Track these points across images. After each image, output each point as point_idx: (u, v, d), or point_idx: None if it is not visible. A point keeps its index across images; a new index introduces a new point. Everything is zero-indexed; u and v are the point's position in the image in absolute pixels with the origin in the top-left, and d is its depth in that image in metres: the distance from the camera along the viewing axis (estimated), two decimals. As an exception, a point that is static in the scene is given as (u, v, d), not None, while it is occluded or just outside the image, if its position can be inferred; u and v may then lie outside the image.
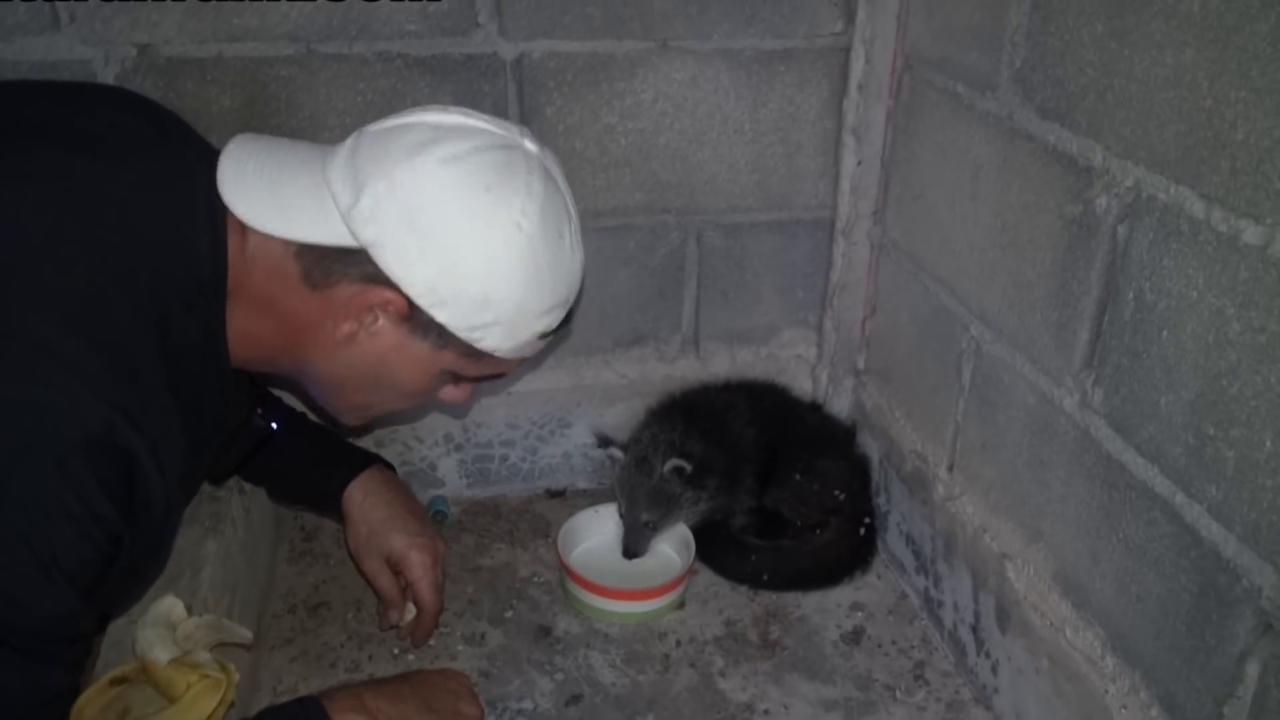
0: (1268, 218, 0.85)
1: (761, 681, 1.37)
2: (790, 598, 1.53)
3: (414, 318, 1.03)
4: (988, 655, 1.31)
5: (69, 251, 0.90)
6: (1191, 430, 0.96)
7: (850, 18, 1.53)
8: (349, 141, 1.03)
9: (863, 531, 1.59)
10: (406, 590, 1.37)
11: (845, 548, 1.58)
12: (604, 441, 1.59)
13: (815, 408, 1.74)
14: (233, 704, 1.07)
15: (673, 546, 1.56)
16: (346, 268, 1.00)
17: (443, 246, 1.00)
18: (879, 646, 1.44)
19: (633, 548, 1.51)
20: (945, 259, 1.41)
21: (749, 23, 1.52)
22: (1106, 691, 1.09)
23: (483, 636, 1.43)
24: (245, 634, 1.15)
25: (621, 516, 1.54)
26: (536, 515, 1.71)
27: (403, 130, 1.02)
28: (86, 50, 1.37)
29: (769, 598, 1.53)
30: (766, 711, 1.32)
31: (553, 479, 1.76)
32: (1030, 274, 1.20)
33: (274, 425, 1.29)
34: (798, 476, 1.58)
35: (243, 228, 1.01)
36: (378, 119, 1.06)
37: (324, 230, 1.00)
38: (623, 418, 1.70)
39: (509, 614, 1.48)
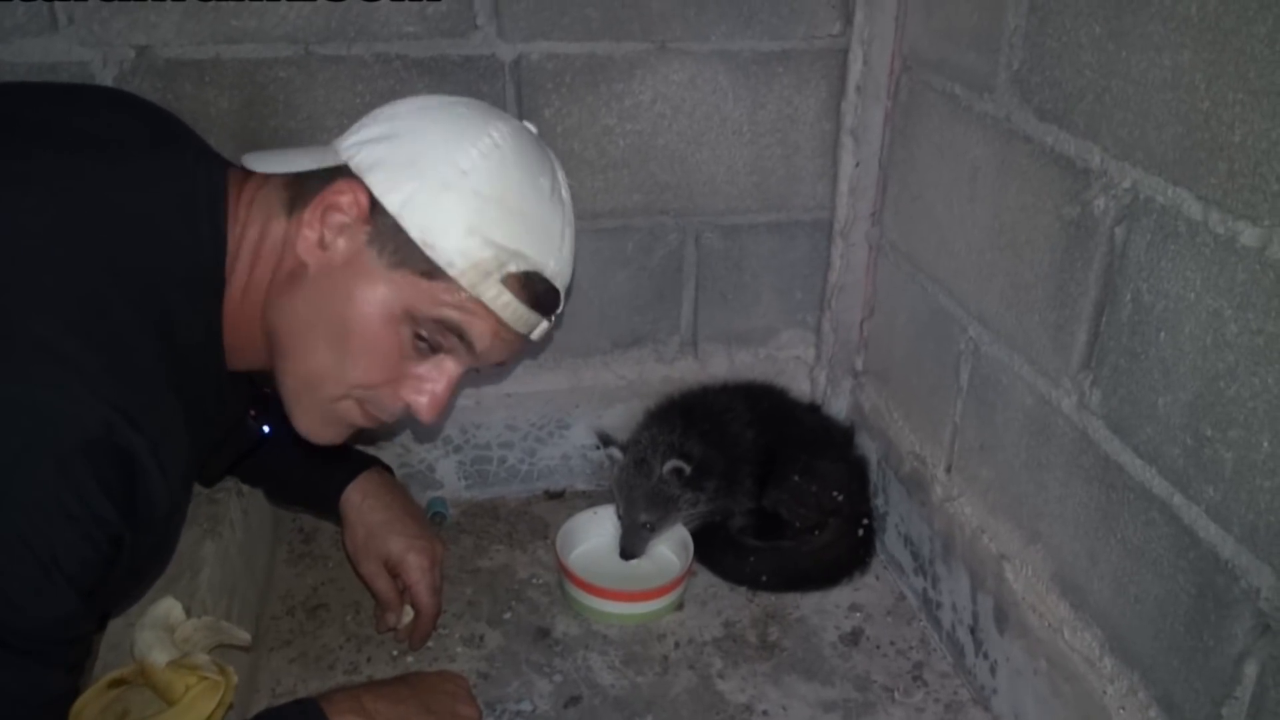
0: (1265, 219, 0.86)
1: (760, 683, 1.37)
2: (789, 599, 1.53)
3: (374, 221, 1.01)
4: (986, 656, 1.32)
5: (68, 252, 0.90)
6: (1189, 431, 0.96)
7: (848, 19, 1.54)
8: None
9: (861, 533, 1.59)
10: (404, 593, 1.37)
11: (843, 549, 1.58)
12: (605, 441, 1.59)
13: (813, 409, 1.74)
14: (231, 706, 1.07)
15: (671, 548, 1.57)
16: (323, 181, 1.02)
17: (415, 140, 1.03)
18: (877, 647, 1.44)
19: (630, 549, 1.51)
20: (943, 260, 1.41)
21: (747, 24, 1.53)
22: (1105, 692, 1.09)
23: (481, 638, 1.43)
24: (244, 636, 1.15)
25: (620, 518, 1.54)
26: (535, 517, 1.71)
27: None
28: (85, 52, 1.37)
29: (767, 599, 1.53)
30: (765, 713, 1.32)
31: (551, 480, 1.76)
32: (1028, 275, 1.21)
33: (266, 429, 1.28)
34: (796, 477, 1.58)
35: (243, 222, 1.03)
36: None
37: (314, 160, 1.04)
38: (621, 419, 1.70)
39: (508, 615, 1.48)
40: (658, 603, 1.47)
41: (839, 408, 1.76)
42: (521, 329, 1.07)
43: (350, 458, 1.42)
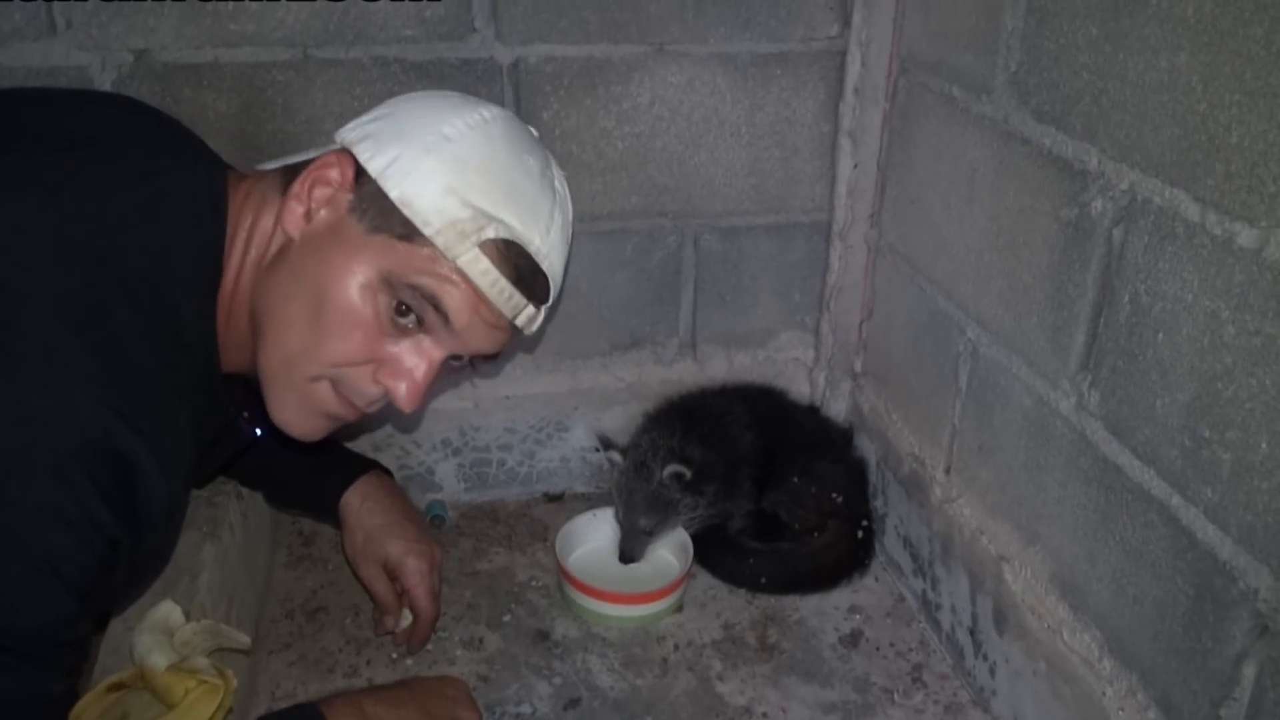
0: (1262, 220, 0.86)
1: (759, 685, 1.37)
2: (788, 601, 1.53)
3: (358, 190, 1.01)
4: (985, 658, 1.32)
5: (68, 254, 0.90)
6: (1187, 433, 0.96)
7: (846, 21, 1.54)
8: None
9: (860, 534, 1.59)
10: (403, 596, 1.37)
11: (843, 550, 1.58)
12: (605, 444, 1.59)
13: (813, 411, 1.74)
14: (231, 709, 1.07)
15: (670, 550, 1.56)
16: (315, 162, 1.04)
17: (406, 117, 1.05)
18: (877, 649, 1.44)
19: (629, 553, 1.51)
20: (941, 262, 1.41)
21: (745, 26, 1.53)
22: (1104, 694, 1.09)
23: (481, 641, 1.43)
24: (243, 639, 1.15)
25: (619, 522, 1.54)
26: (534, 519, 1.71)
27: None
28: (83, 56, 1.37)
29: (767, 601, 1.53)
30: (765, 715, 1.32)
31: (550, 483, 1.76)
32: (1026, 277, 1.21)
33: (258, 431, 1.25)
34: (795, 479, 1.59)
35: (240, 216, 1.04)
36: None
37: (316, 154, 1.05)
38: (620, 421, 1.70)
39: (507, 618, 1.48)
40: (657, 605, 1.47)
41: (838, 409, 1.76)
42: (504, 308, 1.04)
43: (349, 461, 1.42)
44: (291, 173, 1.05)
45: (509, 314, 1.05)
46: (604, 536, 1.58)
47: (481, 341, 1.06)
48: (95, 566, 0.84)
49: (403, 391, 1.04)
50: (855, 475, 1.65)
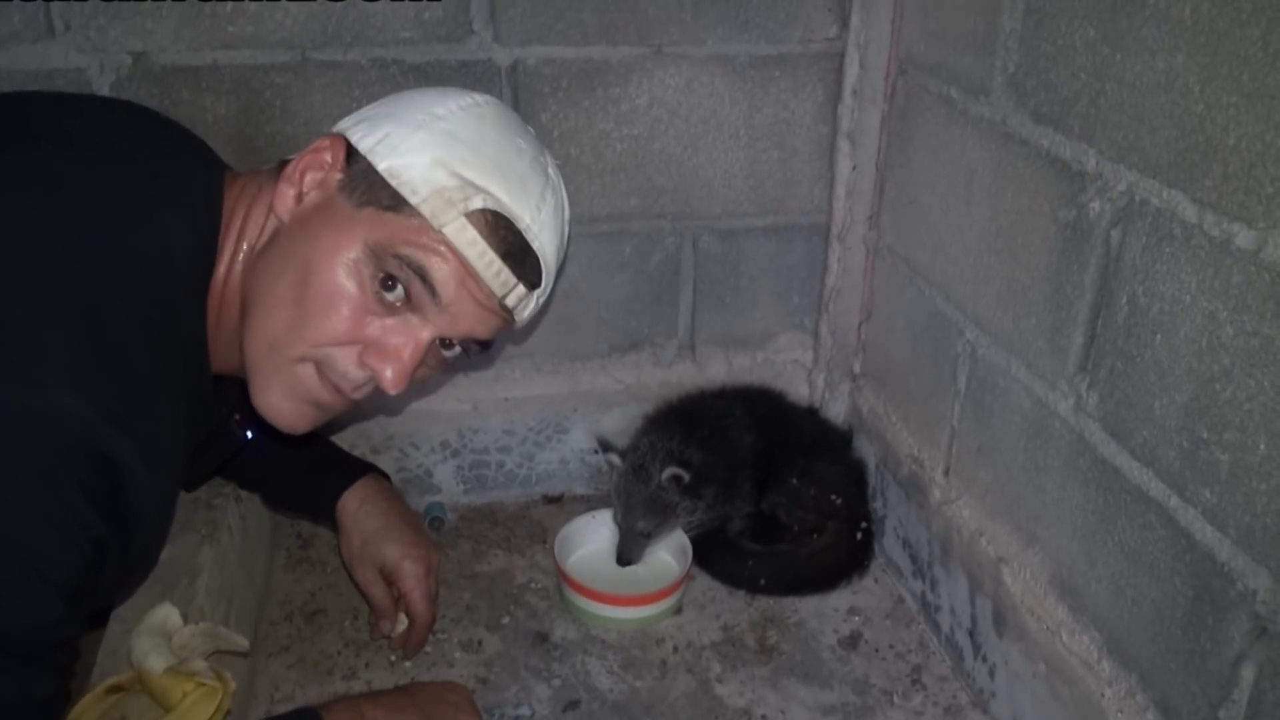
0: (1259, 222, 0.86)
1: (759, 687, 1.37)
2: (787, 602, 1.53)
3: (349, 169, 1.02)
4: (985, 659, 1.31)
5: (62, 253, 0.90)
6: (1185, 434, 0.96)
7: (844, 23, 1.54)
8: None
9: (859, 536, 1.59)
10: (399, 600, 1.37)
11: (842, 552, 1.58)
12: (604, 447, 1.59)
13: (812, 412, 1.74)
14: (229, 712, 1.06)
15: (669, 552, 1.56)
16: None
17: (399, 102, 1.07)
18: (876, 651, 1.44)
19: (627, 555, 1.51)
20: (940, 263, 1.41)
21: (743, 28, 1.53)
22: (1103, 695, 1.09)
23: (480, 643, 1.43)
24: (241, 642, 1.15)
25: (618, 524, 1.54)
26: (533, 521, 1.70)
27: None
28: (81, 58, 1.37)
29: (766, 603, 1.53)
30: (764, 717, 1.32)
31: (549, 485, 1.76)
32: (1025, 278, 1.21)
33: (249, 434, 1.24)
34: (794, 481, 1.59)
35: (234, 209, 1.04)
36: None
37: None
38: (619, 423, 1.70)
39: (506, 620, 1.48)
40: (656, 607, 1.47)
41: (837, 411, 1.76)
42: (493, 284, 1.02)
43: (347, 464, 1.42)
44: (286, 164, 1.05)
45: (498, 291, 1.03)
46: (603, 539, 1.58)
47: (471, 321, 1.04)
48: (82, 567, 0.84)
49: (389, 374, 1.02)
50: (854, 477, 1.65)
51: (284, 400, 1.04)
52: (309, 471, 1.39)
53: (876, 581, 1.59)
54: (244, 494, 1.43)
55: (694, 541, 1.54)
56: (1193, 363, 0.95)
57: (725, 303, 1.71)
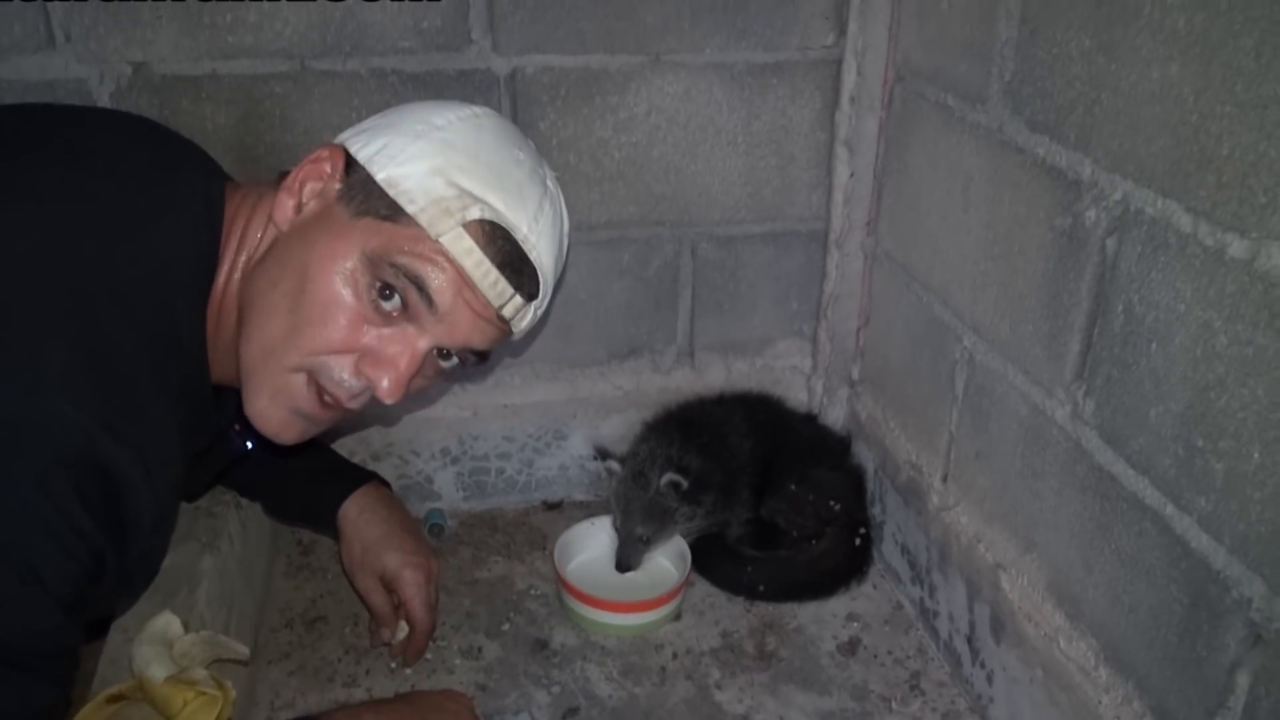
0: (1253, 231, 0.86)
1: (758, 693, 1.37)
2: (786, 608, 1.53)
3: (347, 179, 1.03)
4: (983, 665, 1.32)
5: (61, 263, 0.90)
6: (1181, 442, 0.97)
7: (842, 30, 1.54)
8: None
9: (858, 542, 1.60)
10: (399, 608, 1.37)
11: (841, 558, 1.58)
12: (602, 454, 1.60)
13: (810, 418, 1.75)
14: (229, 720, 1.07)
15: (669, 558, 1.57)
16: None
17: (399, 113, 1.08)
18: (875, 657, 1.44)
19: (625, 561, 1.51)
20: (938, 270, 1.42)
21: (741, 36, 1.53)
22: (1100, 702, 1.10)
23: (480, 649, 1.44)
24: (242, 650, 1.15)
25: (617, 530, 1.54)
26: (533, 527, 1.71)
27: None
28: (82, 69, 1.37)
29: (765, 609, 1.53)
30: (763, 723, 1.33)
31: (549, 491, 1.77)
32: (1021, 285, 1.21)
33: (249, 444, 1.25)
34: (793, 487, 1.59)
35: (234, 219, 1.05)
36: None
37: None
38: (619, 430, 1.70)
39: (506, 627, 1.48)
40: (655, 613, 1.48)
41: (835, 417, 1.77)
42: (489, 293, 1.02)
43: (347, 472, 1.42)
44: (287, 175, 1.06)
45: (494, 301, 1.03)
46: (602, 545, 1.58)
47: (468, 331, 1.04)
48: (80, 577, 0.85)
49: (385, 383, 1.02)
50: (853, 483, 1.65)
51: (272, 408, 1.04)
52: (310, 480, 1.39)
53: (875, 587, 1.59)
54: (244, 502, 1.43)
55: (693, 547, 1.54)
56: (1188, 371, 0.95)
57: (724, 309, 1.72)
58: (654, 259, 1.66)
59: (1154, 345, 0.99)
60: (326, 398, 1.04)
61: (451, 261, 1.00)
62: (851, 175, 1.61)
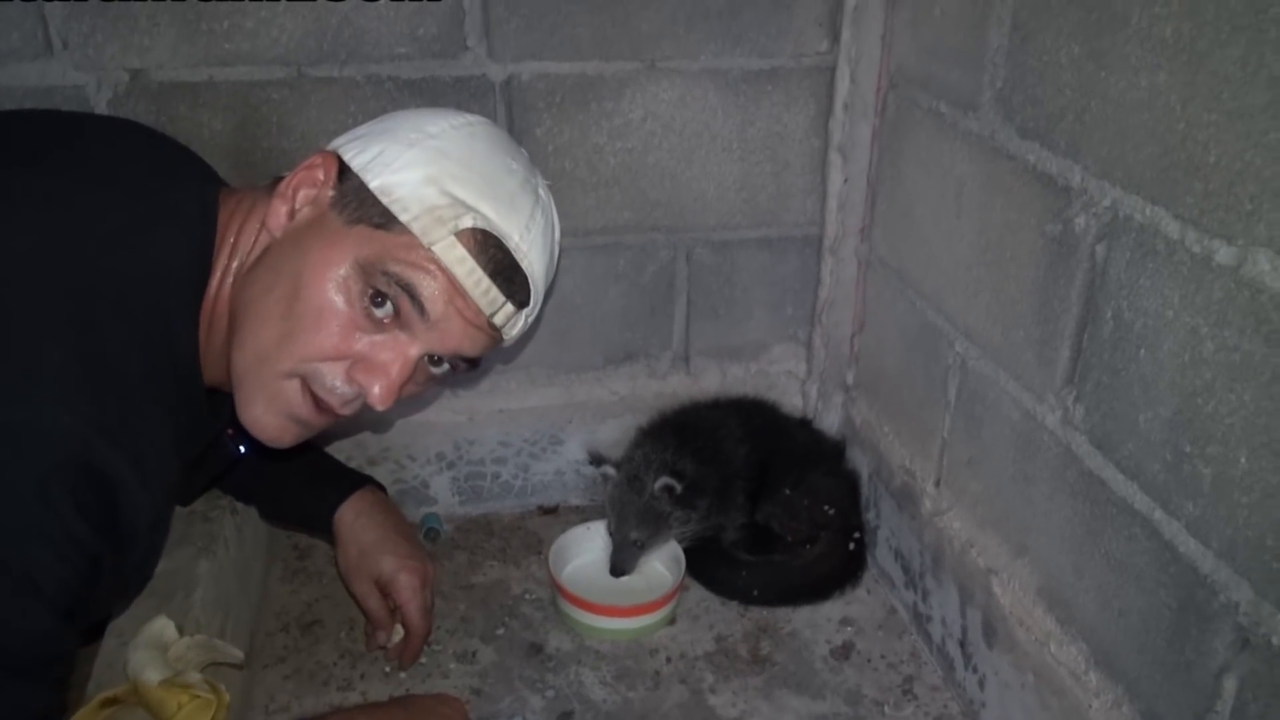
0: (1239, 238, 0.87)
1: (751, 697, 1.38)
2: (780, 613, 1.53)
3: (341, 185, 1.03)
4: (975, 670, 1.32)
5: (55, 268, 0.91)
6: (1169, 447, 0.97)
7: (835, 37, 1.55)
8: None
9: (852, 546, 1.60)
10: (395, 612, 1.38)
11: (835, 562, 1.59)
12: (597, 460, 1.60)
13: (805, 423, 1.75)
14: (224, 724, 1.07)
15: (663, 563, 1.57)
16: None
17: (393, 119, 1.09)
18: (868, 661, 1.45)
19: (620, 566, 1.52)
20: (931, 275, 1.42)
21: (736, 43, 1.54)
22: (1090, 706, 1.10)
23: (474, 654, 1.44)
24: (237, 654, 1.15)
25: (611, 534, 1.55)
26: (529, 532, 1.71)
27: None
28: (79, 76, 1.38)
29: (759, 613, 1.54)
30: (756, 727, 1.33)
31: (545, 496, 1.77)
32: (1013, 291, 1.22)
33: (242, 449, 1.25)
34: (788, 492, 1.59)
35: (228, 224, 1.05)
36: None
37: None
38: (615, 434, 1.71)
39: (501, 631, 1.49)
40: (650, 618, 1.48)
41: (830, 422, 1.77)
42: (481, 302, 1.03)
43: (344, 477, 1.43)
44: (281, 180, 1.07)
45: (486, 309, 1.04)
46: (598, 549, 1.59)
47: (459, 339, 1.05)
48: (76, 582, 0.85)
49: (377, 390, 1.03)
50: (847, 487, 1.65)
51: (267, 414, 1.05)
52: (306, 485, 1.40)
53: (869, 592, 1.59)
54: (240, 507, 1.44)
55: (688, 552, 1.55)
56: (1176, 377, 0.96)
57: (719, 314, 1.72)
58: (649, 264, 1.67)
59: (1143, 351, 1.00)
60: (320, 402, 1.05)
61: (443, 270, 1.01)
62: (845, 181, 1.61)
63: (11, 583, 0.81)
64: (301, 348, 1.01)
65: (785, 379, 1.78)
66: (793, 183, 1.65)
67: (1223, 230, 0.88)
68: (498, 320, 1.06)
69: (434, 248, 1.00)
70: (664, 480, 1.47)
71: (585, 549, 1.60)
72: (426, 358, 1.06)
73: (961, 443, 1.37)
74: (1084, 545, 1.12)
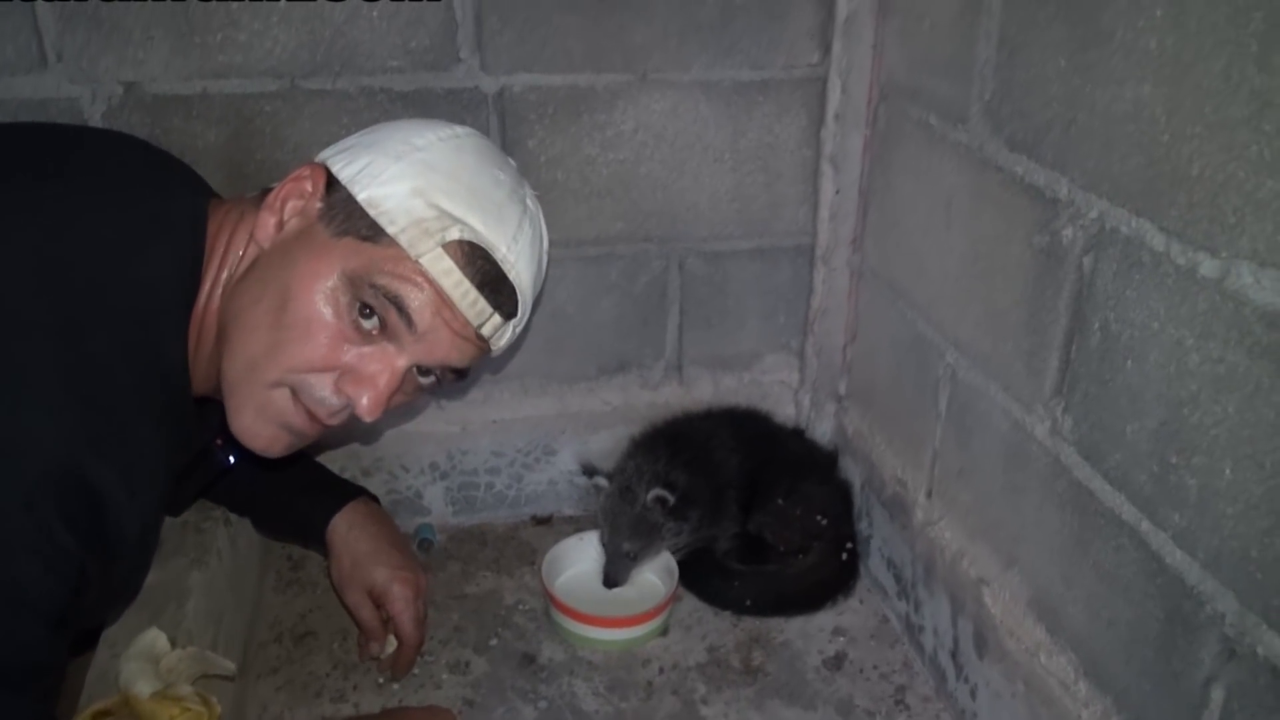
0: (1223, 251, 0.87)
1: (744, 708, 1.38)
2: (773, 623, 1.54)
3: (329, 197, 1.04)
4: (966, 680, 1.32)
5: (46, 281, 0.91)
6: (1156, 458, 0.98)
7: (827, 49, 1.56)
8: None
9: (845, 556, 1.60)
10: (388, 623, 1.38)
11: (828, 572, 1.59)
12: (589, 471, 1.60)
13: (798, 433, 1.76)
14: (214, 736, 1.08)
15: (656, 573, 1.57)
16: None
17: (381, 131, 1.10)
18: (861, 671, 1.45)
19: (613, 577, 1.52)
20: (921, 286, 1.43)
21: (727, 54, 1.55)
22: (1080, 716, 1.10)
23: (467, 664, 1.44)
24: (229, 666, 1.16)
25: (604, 545, 1.55)
26: (522, 542, 1.71)
27: None
28: (74, 88, 1.39)
29: (752, 623, 1.54)
30: (748, 737, 1.33)
31: (538, 506, 1.77)
32: (1002, 302, 1.22)
33: (231, 459, 1.26)
34: (780, 502, 1.60)
35: (217, 235, 1.06)
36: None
37: None
38: (607, 444, 1.71)
39: (494, 642, 1.49)
40: (642, 628, 1.48)
41: (823, 432, 1.78)
42: (468, 313, 1.04)
43: (337, 487, 1.43)
44: (269, 191, 1.07)
45: (473, 320, 1.05)
46: (591, 560, 1.59)
47: (447, 350, 1.06)
48: (63, 593, 0.85)
49: (365, 401, 1.03)
50: (840, 498, 1.66)
51: (258, 423, 1.05)
52: (299, 495, 1.40)
53: (862, 602, 1.59)
54: (233, 517, 1.44)
55: (680, 563, 1.55)
56: (1162, 388, 0.96)
57: (712, 324, 1.73)
58: (642, 275, 1.67)
59: (1129, 362, 1.01)
60: (309, 412, 1.05)
61: (431, 282, 1.02)
62: (837, 192, 1.62)
63: (0, 595, 0.81)
64: (289, 358, 1.01)
65: (778, 389, 1.79)
66: (785, 193, 1.65)
67: (1206, 242, 0.89)
68: (485, 331, 1.07)
69: (421, 260, 1.01)
70: (656, 492, 1.48)
71: (578, 559, 1.60)
72: (414, 369, 1.07)
73: (952, 453, 1.38)
74: (1073, 556, 1.12)
